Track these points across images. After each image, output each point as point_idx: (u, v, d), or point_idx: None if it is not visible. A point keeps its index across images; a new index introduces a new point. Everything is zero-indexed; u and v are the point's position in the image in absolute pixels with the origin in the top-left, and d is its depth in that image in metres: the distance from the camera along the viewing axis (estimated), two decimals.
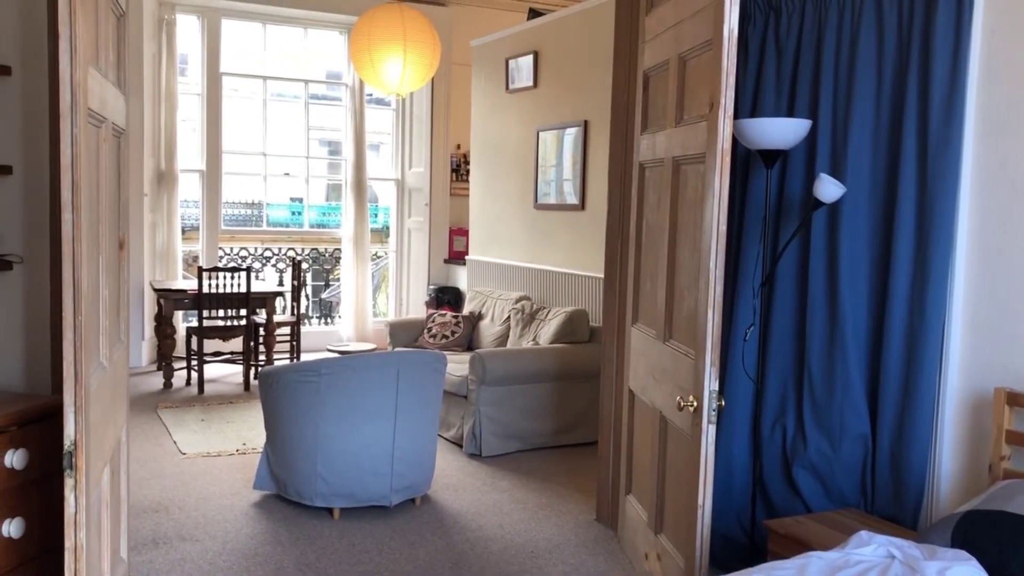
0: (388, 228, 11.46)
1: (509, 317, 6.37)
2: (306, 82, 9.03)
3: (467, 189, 9.01)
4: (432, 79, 8.64)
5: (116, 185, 2.90)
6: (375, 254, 9.98)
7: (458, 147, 9.17)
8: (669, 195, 3.31)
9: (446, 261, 9.11)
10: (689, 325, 3.03)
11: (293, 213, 20.47)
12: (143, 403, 6.61)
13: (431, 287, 8.93)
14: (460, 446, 5.55)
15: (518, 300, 6.43)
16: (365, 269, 9.05)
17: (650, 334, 3.53)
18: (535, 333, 5.98)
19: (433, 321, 6.75)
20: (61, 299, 2.08)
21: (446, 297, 8.67)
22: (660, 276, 3.41)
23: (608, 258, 4.32)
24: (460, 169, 9.20)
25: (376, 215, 10.59)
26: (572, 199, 6.34)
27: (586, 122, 6.17)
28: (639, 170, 3.85)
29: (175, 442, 5.60)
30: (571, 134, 6.35)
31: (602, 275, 5.50)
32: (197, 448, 5.47)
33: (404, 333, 6.74)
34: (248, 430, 5.90)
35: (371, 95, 9.10)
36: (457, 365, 5.91)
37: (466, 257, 7.95)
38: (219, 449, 5.46)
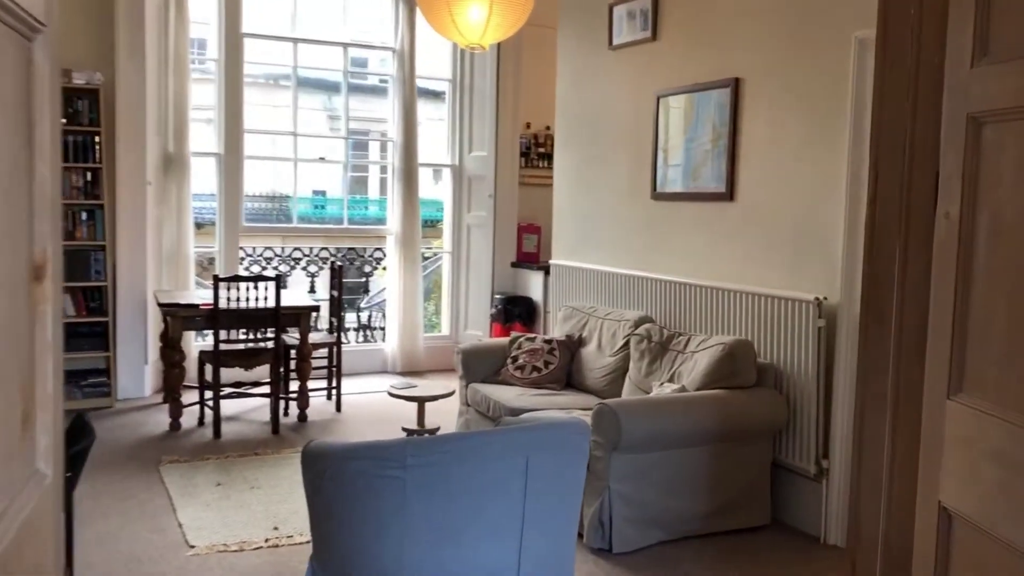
0: (436, 222, 9.88)
1: (627, 345, 4.75)
2: (345, 46, 7.42)
3: (540, 177, 7.41)
4: (499, 44, 7.03)
5: (22, 145, 1.31)
6: (425, 255, 8.41)
7: (527, 126, 7.55)
8: None
9: (514, 265, 7.50)
10: None
11: (316, 207, 18.95)
12: (143, 454, 5.04)
13: (497, 296, 7.32)
14: (580, 536, 3.93)
15: (638, 323, 4.81)
16: (415, 274, 7.46)
17: (1012, 419, 1.90)
18: (672, 371, 4.36)
19: (519, 348, 5.14)
20: None
21: (516, 310, 7.08)
22: None
23: (870, 275, 2.69)
24: (531, 153, 7.58)
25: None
26: (714, 186, 4.70)
27: (737, 80, 4.53)
28: (968, 127, 2.21)
29: (180, 525, 4.02)
30: (712, 98, 4.71)
31: (781, 293, 3.93)
32: (211, 536, 3.89)
33: (481, 363, 5.14)
34: (280, 502, 4.32)
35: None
36: (562, 414, 4.30)
37: (549, 262, 6.33)
38: (241, 539, 3.88)
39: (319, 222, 14.36)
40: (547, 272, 6.74)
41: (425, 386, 5.05)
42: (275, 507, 4.26)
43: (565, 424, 2.81)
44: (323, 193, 16.63)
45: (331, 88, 14.88)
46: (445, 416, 5.32)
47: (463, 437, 2.63)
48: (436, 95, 10.18)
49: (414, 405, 4.65)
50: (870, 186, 2.68)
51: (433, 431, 4.29)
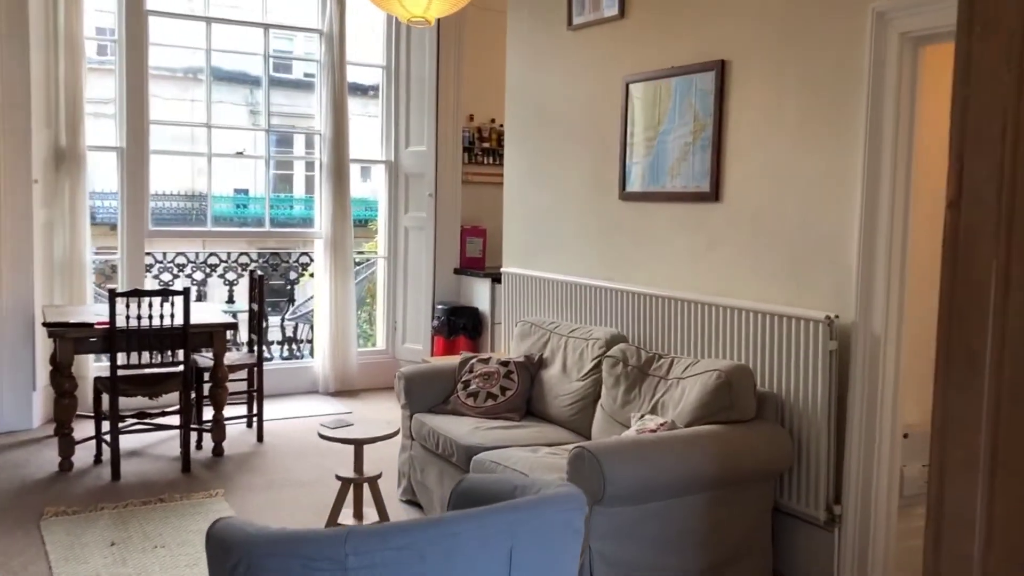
0: (368, 222, 9.14)
1: (598, 368, 4.11)
2: (266, 27, 6.62)
3: (485, 174, 6.74)
4: (439, 22, 6.34)
5: None
6: (357, 260, 7.66)
7: (471, 119, 6.87)
8: None
9: (457, 271, 6.81)
10: None
11: (238, 206, 17.92)
12: (22, 504, 4.22)
13: (439, 307, 6.62)
14: None
15: (610, 342, 4.17)
16: (347, 281, 6.71)
17: None
18: (654, 400, 3.73)
19: (471, 371, 4.45)
20: None
21: (461, 322, 6.40)
22: None
23: (951, 301, 2.08)
24: (475, 148, 6.90)
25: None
26: (696, 184, 4.10)
27: (723, 63, 3.93)
28: None
29: None
30: (693, 84, 4.10)
31: (782, 310, 3.31)
32: None
33: (427, 389, 4.43)
34: (189, 566, 3.56)
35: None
36: (528, 455, 3.65)
37: (500, 270, 5.65)
38: None
39: (242, 223, 13.44)
40: (495, 280, 6.07)
41: (362, 418, 4.32)
42: (182, 573, 3.50)
43: (556, 499, 2.14)
44: (245, 192, 15.66)
45: (253, 82, 13.97)
46: (386, 449, 4.62)
47: (425, 527, 1.94)
48: (366, 91, 9.43)
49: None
50: (951, 184, 2.07)
51: (374, 479, 3.58)
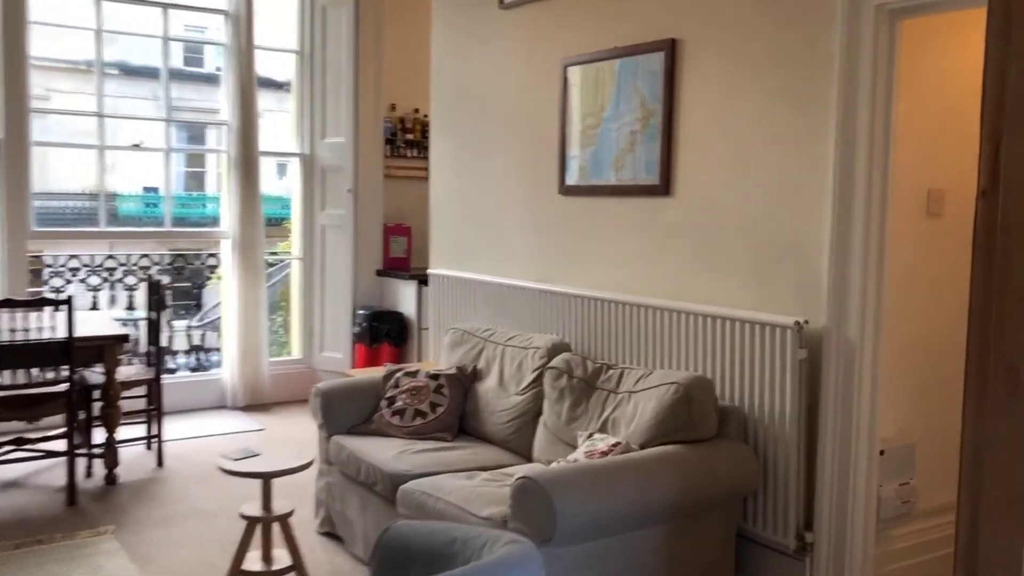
0: (282, 221, 8.58)
1: (539, 380, 3.69)
2: (164, 7, 6.01)
3: (409, 168, 6.30)
4: (357, 2, 5.87)
5: None
6: (270, 261, 7.13)
7: (392, 108, 6.39)
8: None
9: (380, 273, 6.32)
10: None
11: (148, 205, 16.95)
12: None
13: (360, 312, 6.13)
14: None
15: (552, 351, 3.76)
16: (257, 285, 6.16)
17: None
18: (603, 417, 3.34)
19: (396, 386, 3.99)
20: None
21: (385, 328, 5.93)
22: None
23: (983, 308, 1.72)
24: (397, 140, 6.42)
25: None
26: (645, 177, 3.72)
27: (673, 42, 3.56)
28: None
29: None
30: (640, 66, 3.72)
31: (744, 315, 2.95)
32: None
33: (347, 407, 3.95)
34: None
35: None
36: (463, 483, 3.22)
37: (427, 272, 5.19)
38: None
39: (155, 223, 12.66)
40: (422, 282, 5.62)
41: (272, 442, 3.81)
42: None
43: (512, 561, 1.71)
44: (155, 190, 14.84)
45: (157, 75, 13.23)
46: (303, 473, 4.11)
47: None
48: (281, 86, 8.87)
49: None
50: (985, 170, 1.71)
51: (284, 517, 3.09)
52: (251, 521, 3.06)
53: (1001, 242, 1.68)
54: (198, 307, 7.73)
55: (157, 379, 4.90)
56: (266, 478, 3.02)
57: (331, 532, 3.89)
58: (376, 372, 4.28)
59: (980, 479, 1.72)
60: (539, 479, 2.70)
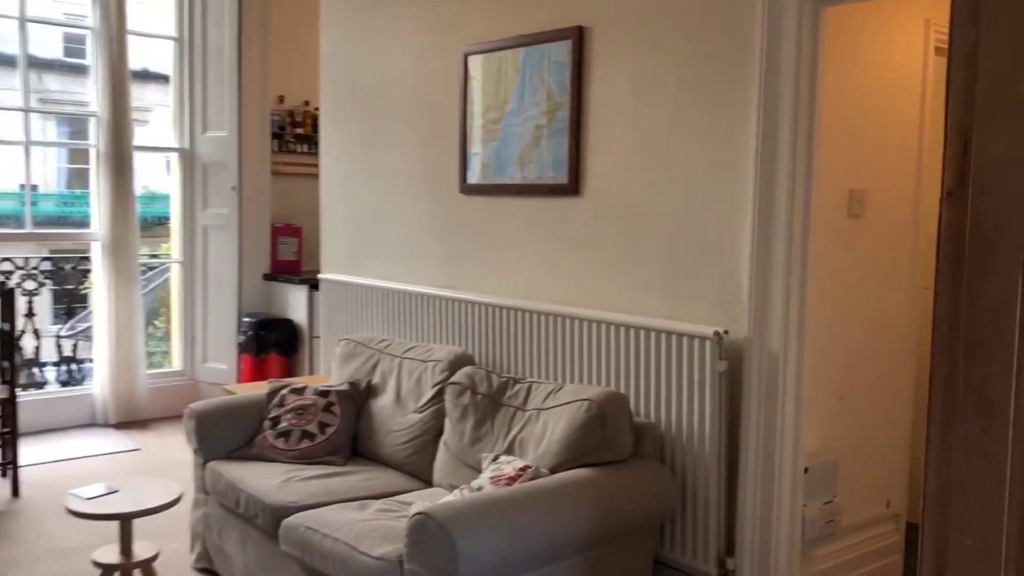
0: (162, 221, 7.99)
1: (440, 396, 3.38)
2: None
3: (299, 164, 5.90)
4: None
5: None
6: (146, 265, 6.59)
7: (281, 100, 5.97)
8: None
9: (268, 277, 5.89)
10: None
11: (24, 204, 15.93)
12: None
13: (246, 319, 5.69)
14: None
15: (454, 364, 3.45)
16: (131, 291, 5.66)
17: None
18: (510, 438, 3.05)
19: (281, 404, 3.61)
20: None
21: (273, 336, 5.52)
22: None
23: (949, 321, 1.50)
24: (286, 134, 6.00)
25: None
26: (552, 175, 3.45)
27: (581, 30, 3.30)
28: None
29: None
30: (546, 55, 3.45)
31: (659, 324, 2.79)
32: None
33: (226, 429, 3.54)
34: None
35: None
36: (354, 516, 2.89)
37: (318, 276, 4.81)
38: None
39: (34, 223, 11.78)
40: (313, 287, 5.23)
41: (142, 470, 3.38)
42: None
43: None
44: (35, 188, 13.87)
45: (42, 66, 12.34)
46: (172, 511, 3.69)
47: None
48: (166, 79, 8.31)
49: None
50: (951, 168, 1.48)
51: (148, 562, 2.69)
52: (106, 569, 2.65)
53: (971, 250, 1.46)
54: (68, 316, 7.12)
55: (11, 399, 4.37)
56: (124, 519, 2.62)
57: (208, 568, 3.48)
58: (259, 388, 3.89)
59: (946, 526, 1.50)
60: (438, 515, 2.39)
